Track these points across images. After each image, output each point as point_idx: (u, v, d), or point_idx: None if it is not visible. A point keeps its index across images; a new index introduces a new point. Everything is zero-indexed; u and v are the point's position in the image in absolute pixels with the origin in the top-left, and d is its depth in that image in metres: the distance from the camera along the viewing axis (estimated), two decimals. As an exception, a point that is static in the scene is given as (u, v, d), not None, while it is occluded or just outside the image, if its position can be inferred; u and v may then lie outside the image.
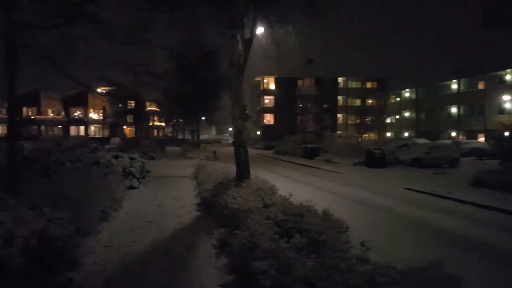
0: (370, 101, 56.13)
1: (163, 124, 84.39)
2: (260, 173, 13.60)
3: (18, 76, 7.96)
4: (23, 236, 3.79)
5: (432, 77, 52.64)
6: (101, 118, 68.86)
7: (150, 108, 68.44)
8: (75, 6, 8.70)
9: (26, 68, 8.65)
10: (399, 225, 9.02)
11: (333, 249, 5.26)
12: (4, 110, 60.10)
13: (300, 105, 60.20)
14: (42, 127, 67.23)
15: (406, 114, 60.42)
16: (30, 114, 66.67)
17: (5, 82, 7.72)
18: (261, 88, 67.43)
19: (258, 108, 69.02)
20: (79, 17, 8.87)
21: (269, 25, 12.35)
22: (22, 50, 8.06)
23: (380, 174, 20.67)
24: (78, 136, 61.72)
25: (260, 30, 12.46)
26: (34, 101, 62.41)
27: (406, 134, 56.79)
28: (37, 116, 67.08)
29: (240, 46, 11.91)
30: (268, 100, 67.31)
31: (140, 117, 43.21)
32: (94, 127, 70.95)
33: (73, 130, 68.95)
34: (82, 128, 69.69)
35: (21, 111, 63.97)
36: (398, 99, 62.20)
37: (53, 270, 4.17)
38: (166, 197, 11.90)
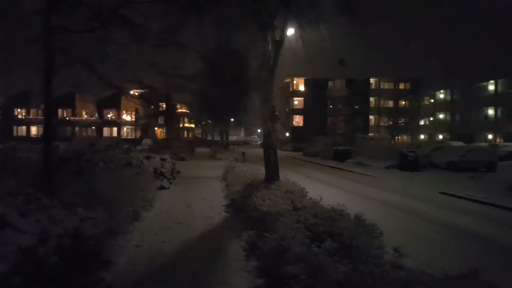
0: (403, 102, 54.87)
1: (193, 125, 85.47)
2: (289, 175, 13.51)
3: (54, 78, 8.18)
4: (57, 235, 3.86)
5: (468, 78, 50.93)
6: (133, 119, 70.46)
7: (181, 110, 69.38)
8: (110, 10, 8.88)
9: (62, 71, 8.87)
10: (434, 231, 8.71)
11: (366, 255, 5.12)
12: (40, 112, 62.69)
13: (331, 106, 59.59)
14: (77, 128, 69.44)
15: (441, 116, 58.70)
16: (65, 115, 68.98)
17: (42, 85, 7.95)
18: (291, 89, 67.22)
19: (287, 110, 68.81)
20: (113, 21, 9.05)
21: (299, 26, 12.25)
22: (59, 53, 8.29)
23: (413, 177, 20.14)
24: (111, 137, 63.31)
25: (290, 31, 12.37)
26: (69, 103, 64.66)
27: (440, 136, 55.15)
28: (72, 118, 69.35)
29: (270, 48, 11.86)
30: (297, 101, 66.99)
31: (171, 119, 43.96)
32: (127, 128, 72.63)
33: (106, 131, 70.84)
34: (115, 129, 71.49)
35: (57, 113, 66.31)
36: (432, 100, 60.52)
37: (85, 269, 4.23)
38: (196, 198, 11.97)
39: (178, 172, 16.25)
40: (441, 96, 59.11)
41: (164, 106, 39.45)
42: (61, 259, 3.67)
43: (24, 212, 3.80)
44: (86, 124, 70.52)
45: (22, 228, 3.48)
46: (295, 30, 12.46)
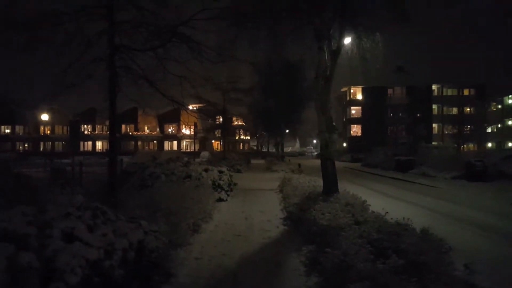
0: (468, 109, 51.92)
1: (248, 137, 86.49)
2: (348, 187, 13.11)
3: (118, 95, 8.59)
4: (122, 248, 3.97)
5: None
6: (192, 133, 72.53)
7: (237, 123, 70.67)
8: (170, 29, 9.23)
9: (125, 88, 9.31)
10: (508, 246, 8.01)
11: (435, 272, 4.79)
12: (105, 127, 66.39)
13: (391, 115, 57.66)
14: (139, 143, 72.71)
15: (510, 122, 54.78)
16: (128, 130, 72.56)
17: (107, 102, 8.38)
18: (348, 98, 66.03)
19: (344, 119, 67.60)
20: (173, 39, 9.40)
21: (356, 35, 12.00)
22: (122, 71, 8.71)
23: (482, 188, 18.83)
24: (172, 151, 65.49)
25: (347, 40, 12.15)
26: (132, 118, 67.88)
27: (509, 144, 51.43)
28: (135, 132, 72.76)
29: (326, 57, 11.70)
30: (355, 110, 65.64)
31: (227, 132, 44.80)
32: (186, 141, 74.89)
33: (166, 145, 73.63)
34: (175, 143, 74.08)
35: (121, 128, 69.94)
36: (499, 106, 56.77)
37: (148, 282, 4.31)
38: (253, 210, 11.96)
39: (235, 184, 16.37)
40: (510, 101, 55.25)
41: (221, 119, 40.32)
42: (126, 272, 3.76)
43: (91, 226, 3.96)
44: (148, 139, 73.73)
45: (89, 241, 3.62)
46: (351, 38, 12.23)
